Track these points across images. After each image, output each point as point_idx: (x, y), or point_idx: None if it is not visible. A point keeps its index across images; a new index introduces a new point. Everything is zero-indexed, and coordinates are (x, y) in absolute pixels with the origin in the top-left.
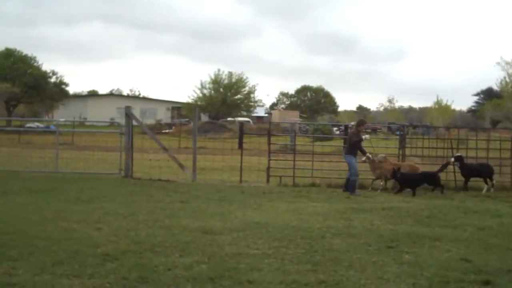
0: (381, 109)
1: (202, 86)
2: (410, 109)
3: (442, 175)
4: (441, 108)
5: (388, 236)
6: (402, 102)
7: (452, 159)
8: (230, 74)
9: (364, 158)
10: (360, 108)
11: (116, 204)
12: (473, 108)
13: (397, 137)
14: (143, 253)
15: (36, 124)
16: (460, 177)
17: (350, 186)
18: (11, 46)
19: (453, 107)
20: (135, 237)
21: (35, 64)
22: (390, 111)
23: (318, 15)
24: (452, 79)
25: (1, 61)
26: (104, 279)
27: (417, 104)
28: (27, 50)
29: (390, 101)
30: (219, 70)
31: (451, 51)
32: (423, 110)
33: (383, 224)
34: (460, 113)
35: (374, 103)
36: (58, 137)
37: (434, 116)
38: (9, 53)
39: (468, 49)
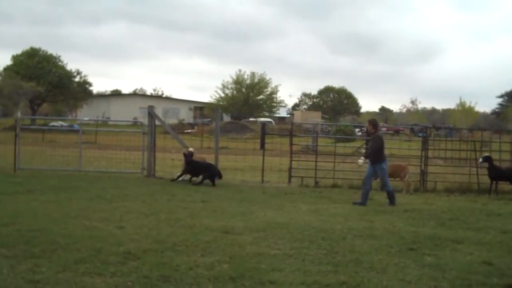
0: (404, 110)
1: (224, 86)
2: (433, 110)
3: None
4: (465, 110)
5: (409, 238)
6: (425, 103)
7: (480, 160)
8: (253, 75)
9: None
10: (383, 109)
11: (138, 203)
12: (497, 110)
13: (420, 139)
14: (165, 252)
15: (60, 123)
16: (483, 180)
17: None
18: (36, 45)
19: (476, 109)
20: (156, 236)
21: (60, 63)
22: (413, 113)
23: (342, 15)
24: (476, 81)
25: (26, 60)
26: (126, 277)
27: (440, 106)
28: (51, 49)
29: (413, 102)
30: (240, 70)
31: (476, 52)
32: (446, 112)
33: (404, 226)
34: (484, 115)
35: (396, 104)
36: (81, 136)
37: (457, 118)
38: (34, 52)
39: (492, 51)
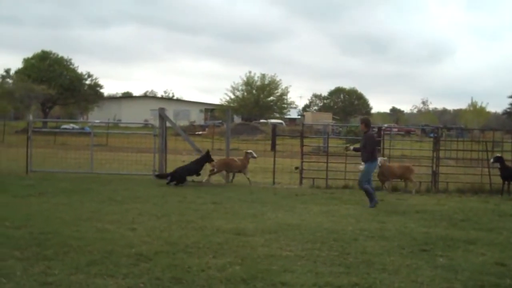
0: (415, 111)
1: (235, 88)
2: (444, 111)
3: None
4: (476, 110)
5: (422, 239)
6: (436, 104)
7: (492, 160)
8: (263, 76)
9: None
10: (394, 110)
11: (150, 205)
12: (508, 110)
13: (431, 139)
14: (177, 254)
15: (72, 125)
16: (495, 180)
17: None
18: (47, 48)
19: (488, 109)
20: (168, 237)
21: (71, 66)
22: (424, 113)
23: (352, 16)
24: (487, 81)
25: (37, 64)
26: (138, 279)
27: (451, 106)
28: (62, 52)
29: (424, 103)
30: (250, 72)
31: (487, 52)
32: (457, 112)
33: (416, 227)
34: (495, 115)
35: (407, 105)
36: (93, 138)
37: (468, 119)
38: (45, 55)
39: (503, 51)
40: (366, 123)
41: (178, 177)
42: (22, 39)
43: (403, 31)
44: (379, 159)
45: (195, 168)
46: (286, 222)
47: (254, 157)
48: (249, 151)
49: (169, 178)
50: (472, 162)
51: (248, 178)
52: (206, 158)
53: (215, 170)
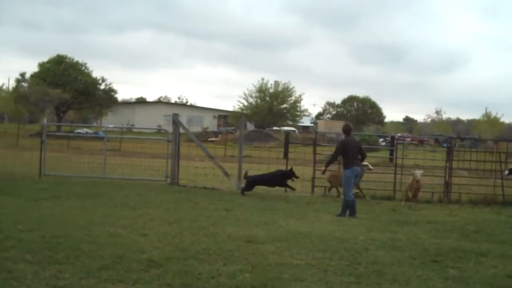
0: (428, 120)
1: (248, 95)
2: (458, 121)
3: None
4: (490, 121)
5: (433, 250)
6: (450, 114)
7: (506, 172)
8: (277, 83)
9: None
10: (407, 119)
11: (162, 210)
12: None
13: (444, 149)
14: (187, 260)
15: (85, 130)
16: (508, 192)
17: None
18: (63, 52)
19: (502, 119)
20: (179, 244)
21: (86, 70)
22: (438, 123)
23: (368, 25)
24: (501, 91)
25: (52, 68)
26: (148, 285)
27: (465, 116)
28: (78, 57)
29: (437, 112)
30: (263, 79)
31: (502, 62)
32: (471, 123)
33: (428, 238)
34: (510, 126)
35: (421, 114)
36: (106, 143)
37: (482, 129)
38: (61, 60)
39: None
40: (345, 129)
41: (251, 185)
42: (39, 44)
43: (419, 40)
44: (416, 172)
45: (276, 181)
46: (297, 230)
47: (370, 169)
48: (364, 163)
49: (244, 187)
50: (485, 173)
51: (359, 190)
52: (290, 174)
53: (331, 184)
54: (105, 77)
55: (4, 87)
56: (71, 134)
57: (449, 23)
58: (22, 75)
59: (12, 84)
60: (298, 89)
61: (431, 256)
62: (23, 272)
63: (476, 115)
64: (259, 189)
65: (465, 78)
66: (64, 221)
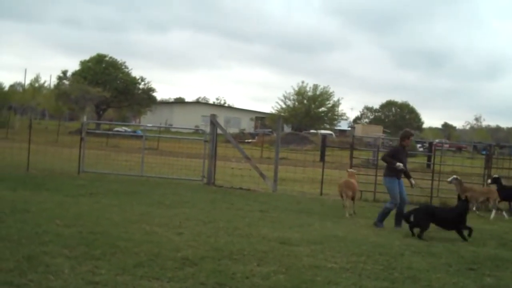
0: (467, 127)
1: (286, 97)
2: (498, 128)
3: None
4: None
5: (469, 257)
6: (490, 121)
7: (489, 181)
8: (315, 87)
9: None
10: (446, 125)
11: (197, 210)
12: None
13: (483, 156)
14: (222, 260)
15: (124, 128)
16: None
17: (382, 213)
18: (103, 51)
19: None
20: (214, 243)
21: (125, 69)
22: (477, 130)
23: (410, 29)
24: None
25: (93, 66)
26: (183, 283)
27: (505, 124)
28: (118, 56)
29: (477, 119)
30: (303, 82)
31: None
32: (511, 131)
33: (465, 245)
34: None
35: (460, 121)
36: (144, 142)
37: None
38: (101, 59)
39: None
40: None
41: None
42: (80, 42)
43: (461, 46)
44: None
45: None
46: (332, 233)
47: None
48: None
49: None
50: None
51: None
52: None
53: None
54: (144, 76)
55: (46, 84)
56: (110, 132)
57: (494, 28)
58: (64, 72)
59: (53, 81)
60: (337, 93)
61: (468, 264)
62: (60, 267)
63: None
64: (295, 191)
65: (507, 85)
66: (101, 218)
